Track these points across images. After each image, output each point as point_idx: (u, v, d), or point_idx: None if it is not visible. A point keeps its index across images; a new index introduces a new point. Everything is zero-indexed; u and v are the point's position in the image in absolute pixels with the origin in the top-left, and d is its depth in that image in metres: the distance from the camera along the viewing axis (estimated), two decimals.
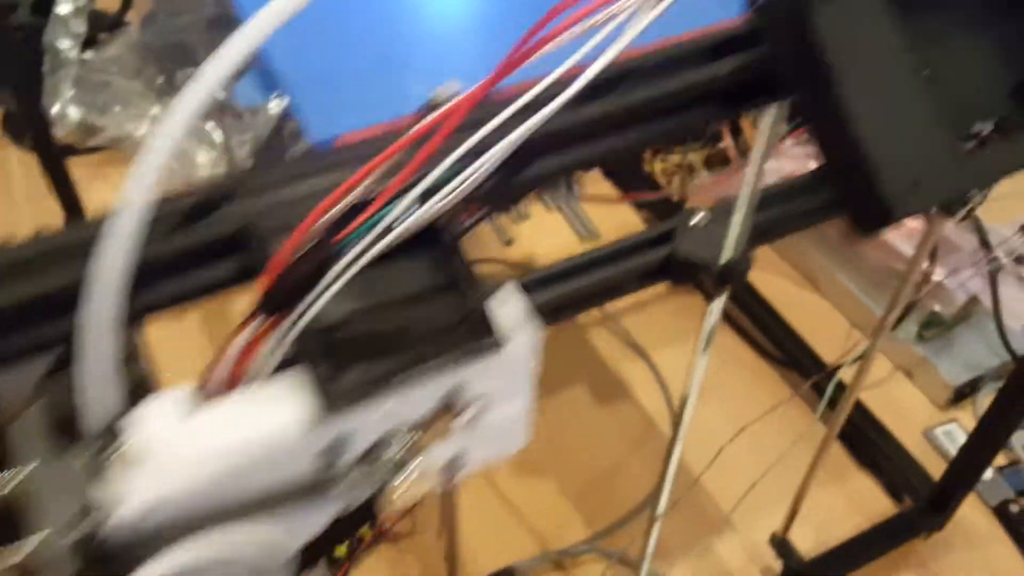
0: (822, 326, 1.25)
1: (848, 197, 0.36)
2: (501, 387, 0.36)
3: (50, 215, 1.23)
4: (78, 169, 1.44)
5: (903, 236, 1.17)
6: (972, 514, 1.09)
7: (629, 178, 1.42)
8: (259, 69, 0.65)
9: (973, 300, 1.16)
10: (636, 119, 0.38)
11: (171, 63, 1.19)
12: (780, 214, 0.56)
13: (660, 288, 1.10)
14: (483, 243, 1.39)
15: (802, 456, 0.97)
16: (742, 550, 1.08)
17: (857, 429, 1.14)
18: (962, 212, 0.69)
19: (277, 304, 0.32)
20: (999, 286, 1.14)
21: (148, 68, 1.36)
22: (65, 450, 0.32)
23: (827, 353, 1.21)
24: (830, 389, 1.15)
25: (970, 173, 0.37)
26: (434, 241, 0.33)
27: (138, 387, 0.32)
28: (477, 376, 0.35)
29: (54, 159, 1.19)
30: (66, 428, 0.32)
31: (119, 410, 0.31)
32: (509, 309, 0.34)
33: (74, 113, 1.36)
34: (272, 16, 0.29)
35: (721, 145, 1.32)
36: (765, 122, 0.46)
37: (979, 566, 1.06)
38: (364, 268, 0.32)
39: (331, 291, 0.30)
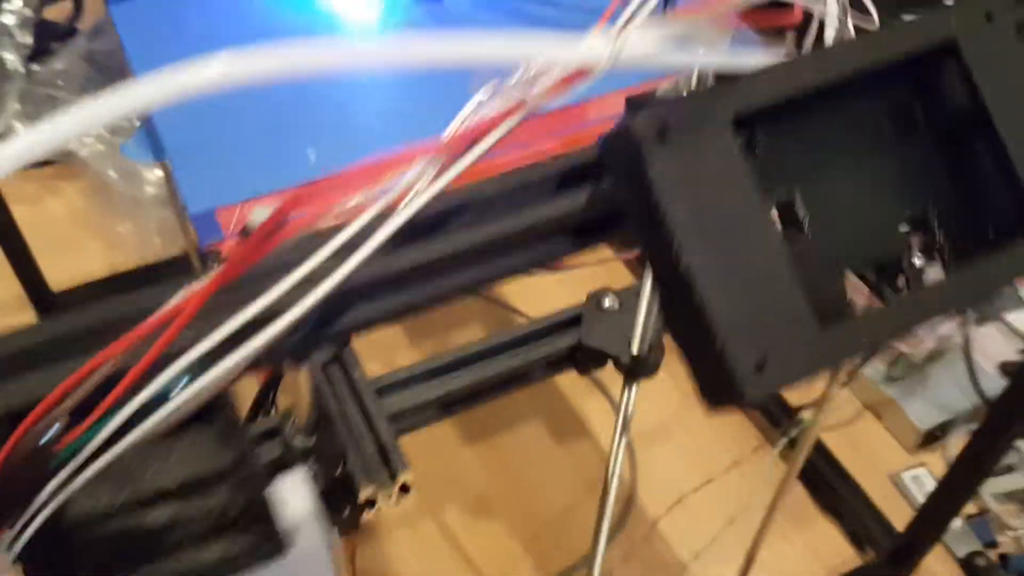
0: None
1: (694, 367, 0.31)
2: None
3: None
4: (29, 184, 1.40)
5: None
6: (937, 566, 1.04)
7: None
8: (148, 131, 0.61)
9: (943, 340, 1.11)
10: (465, 261, 0.33)
11: (120, 76, 1.14)
12: None
13: None
14: None
15: (768, 500, 0.93)
16: None
17: (819, 473, 1.09)
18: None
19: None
20: (971, 325, 1.09)
21: (96, 82, 1.31)
22: None
23: (796, 394, 1.16)
24: (794, 430, 1.11)
25: (837, 345, 0.32)
26: (216, 415, 0.28)
27: None
28: None
29: None
30: None
31: None
32: (297, 501, 0.29)
33: (20, 129, 1.31)
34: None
35: None
36: None
37: None
38: (131, 446, 0.28)
39: (58, 500, 0.26)
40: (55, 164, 1.36)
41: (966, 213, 0.36)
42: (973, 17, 0.35)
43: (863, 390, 1.16)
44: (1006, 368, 1.13)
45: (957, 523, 1.06)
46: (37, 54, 1.34)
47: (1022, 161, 0.34)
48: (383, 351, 1.15)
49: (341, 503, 0.47)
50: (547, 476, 1.14)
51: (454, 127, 0.29)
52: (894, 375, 1.14)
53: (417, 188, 0.27)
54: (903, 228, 0.36)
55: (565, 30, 0.76)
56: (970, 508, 1.08)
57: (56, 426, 0.27)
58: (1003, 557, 1.04)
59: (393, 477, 0.48)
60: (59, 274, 1.23)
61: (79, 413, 0.27)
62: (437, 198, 0.32)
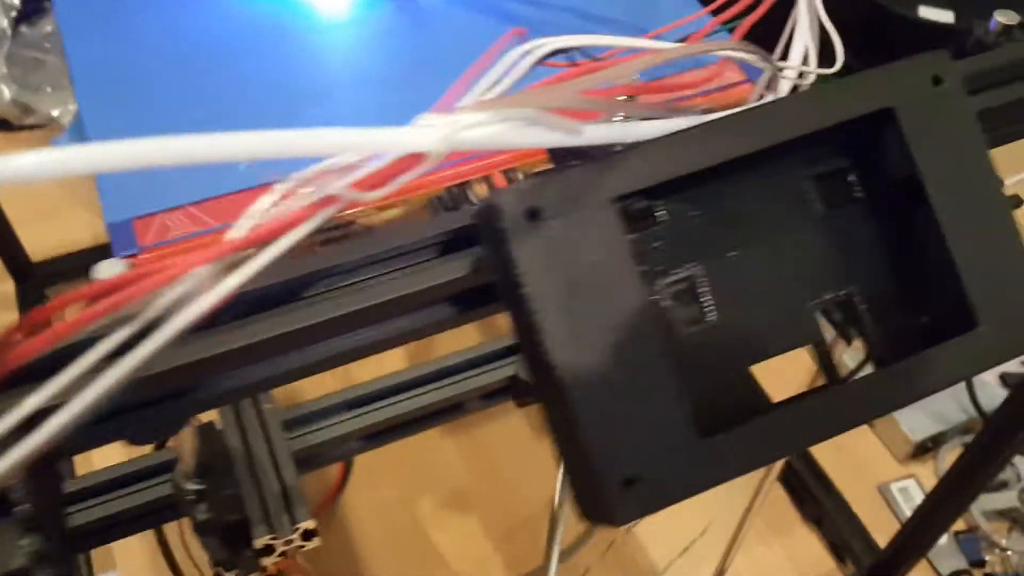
0: (788, 367, 1.16)
1: (570, 475, 0.28)
2: None
3: None
4: (15, 146, 1.38)
5: None
6: None
7: None
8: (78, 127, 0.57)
9: None
10: (326, 332, 0.29)
11: None
12: None
13: None
14: None
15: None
16: None
17: (803, 481, 1.06)
18: None
19: None
20: None
21: None
22: None
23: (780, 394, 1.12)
24: None
25: (721, 462, 0.28)
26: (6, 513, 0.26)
27: None
28: None
29: None
30: None
31: None
32: None
33: (6, 91, 1.29)
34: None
35: None
36: None
37: None
38: None
39: None
40: (43, 127, 1.33)
41: (897, 301, 0.32)
42: (917, 80, 0.31)
43: None
44: (1006, 379, 1.09)
45: (944, 539, 1.02)
46: (25, 16, 1.30)
47: (961, 248, 0.30)
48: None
49: (238, 547, 0.45)
50: (526, 473, 1.12)
51: (250, 221, 0.25)
52: None
53: (206, 288, 0.24)
54: (826, 313, 0.32)
55: (537, 25, 0.70)
56: (959, 524, 1.04)
57: None
58: None
59: (294, 523, 0.45)
60: (43, 242, 1.21)
61: None
62: (292, 265, 0.29)
